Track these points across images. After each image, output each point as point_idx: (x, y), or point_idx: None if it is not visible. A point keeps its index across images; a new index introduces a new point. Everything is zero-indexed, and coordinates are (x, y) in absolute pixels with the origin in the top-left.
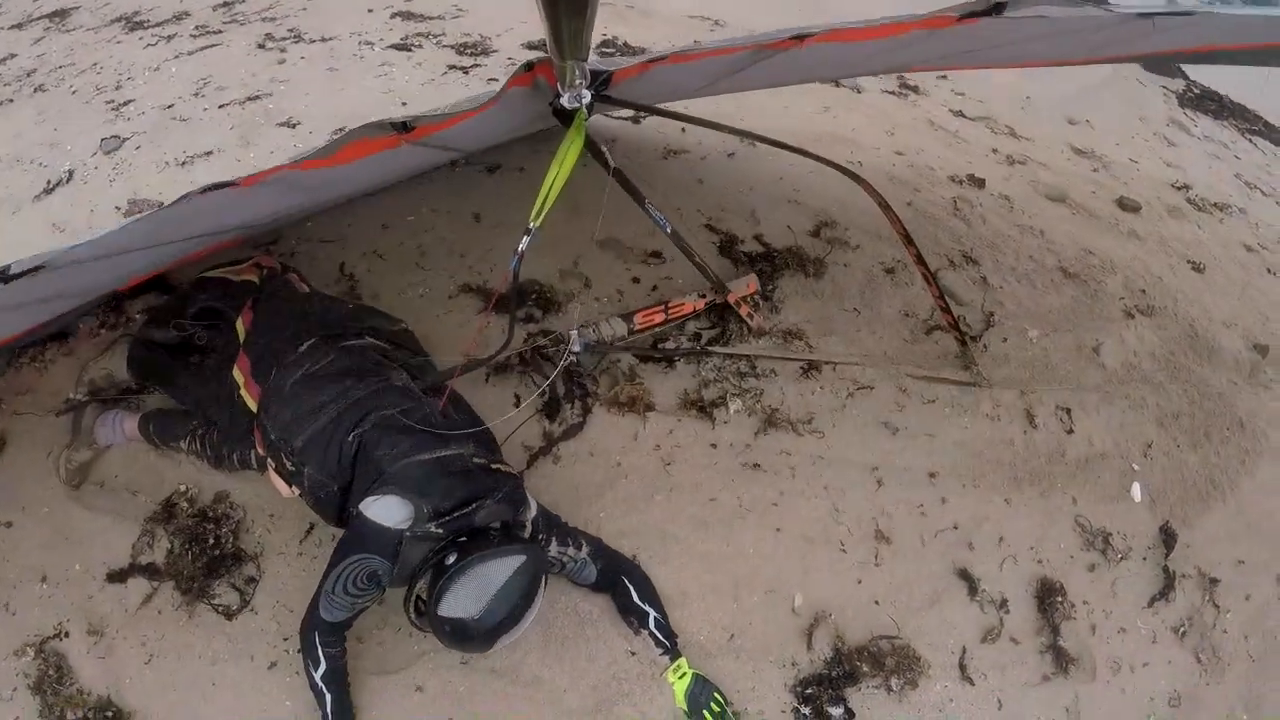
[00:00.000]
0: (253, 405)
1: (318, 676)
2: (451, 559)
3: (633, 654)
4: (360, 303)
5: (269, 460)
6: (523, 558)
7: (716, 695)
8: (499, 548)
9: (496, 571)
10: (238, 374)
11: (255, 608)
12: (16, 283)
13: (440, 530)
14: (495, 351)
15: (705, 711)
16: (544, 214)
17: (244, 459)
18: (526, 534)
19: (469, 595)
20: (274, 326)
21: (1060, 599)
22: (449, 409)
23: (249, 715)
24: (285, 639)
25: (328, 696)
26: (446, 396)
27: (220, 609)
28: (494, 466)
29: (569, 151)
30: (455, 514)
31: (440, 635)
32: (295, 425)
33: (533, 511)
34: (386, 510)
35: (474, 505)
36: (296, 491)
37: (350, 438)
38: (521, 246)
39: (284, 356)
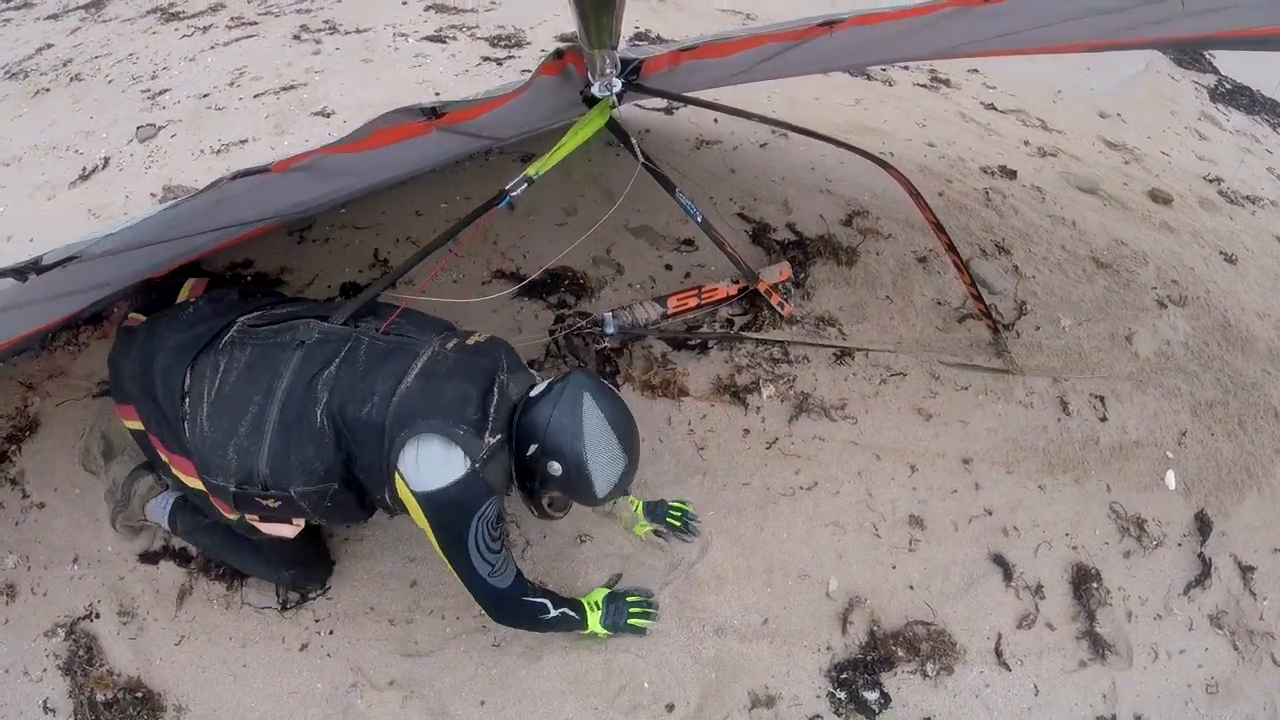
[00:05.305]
0: (197, 481)
1: (556, 613)
2: (555, 468)
3: None
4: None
5: (247, 516)
6: (584, 391)
7: (670, 506)
8: (561, 401)
9: (592, 418)
10: (169, 466)
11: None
12: (51, 274)
13: (495, 439)
14: (455, 225)
15: (667, 518)
16: (543, 171)
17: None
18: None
19: (605, 456)
20: (143, 394)
21: (1096, 585)
22: (395, 326)
23: (280, 696)
24: (317, 620)
25: (562, 607)
26: (398, 314)
27: (256, 608)
28: (470, 342)
29: (585, 127)
30: (490, 413)
31: (609, 497)
32: (247, 456)
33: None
34: (435, 467)
35: (496, 392)
36: (300, 522)
37: (319, 423)
38: (510, 188)
39: (176, 408)
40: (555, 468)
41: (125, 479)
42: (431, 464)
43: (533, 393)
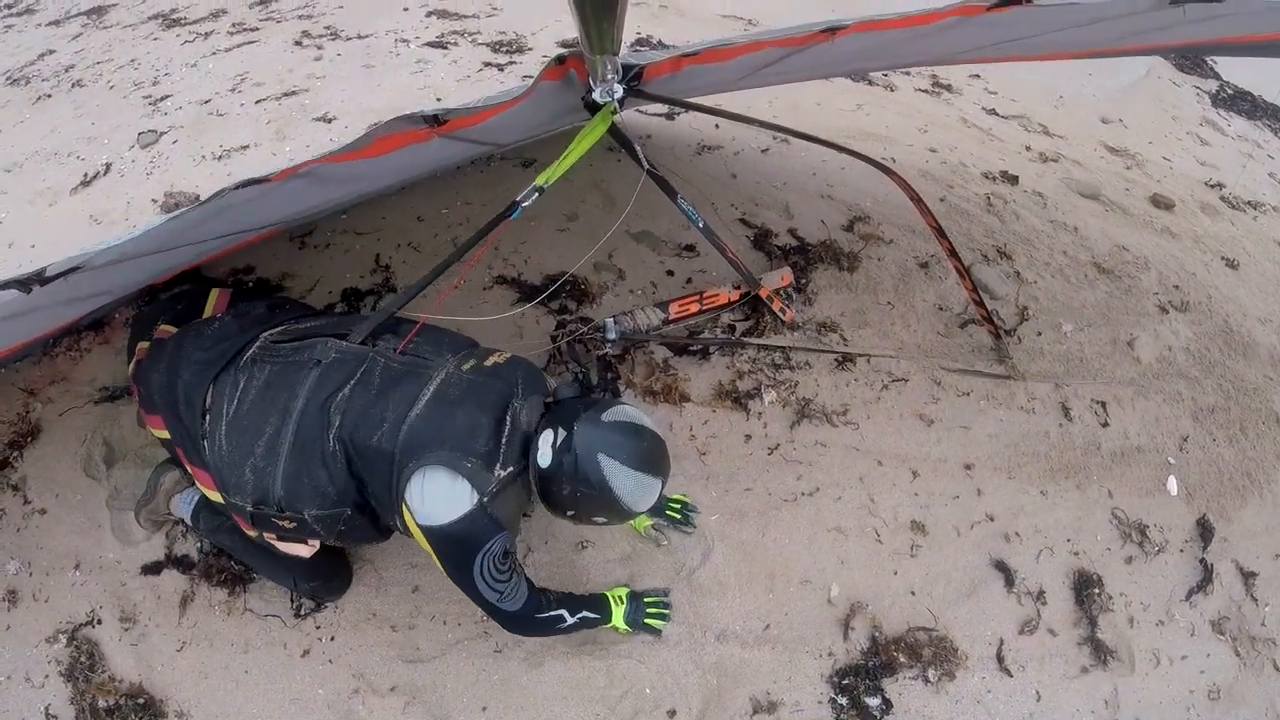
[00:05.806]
0: (218, 496)
1: (574, 619)
2: (600, 519)
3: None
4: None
5: (265, 535)
6: (597, 453)
7: (670, 500)
8: (579, 474)
9: (616, 475)
10: (193, 477)
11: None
12: (53, 283)
13: (506, 471)
14: (469, 240)
15: (667, 511)
16: (553, 180)
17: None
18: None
19: (639, 493)
20: (168, 409)
21: (1098, 591)
22: (412, 346)
23: (282, 703)
24: (318, 627)
25: (581, 611)
26: (416, 331)
27: (258, 614)
28: (489, 363)
29: (589, 134)
30: (502, 445)
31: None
32: (262, 477)
33: (553, 382)
34: (440, 501)
35: (509, 421)
36: (315, 543)
37: (331, 447)
38: (521, 199)
39: (197, 425)
40: (601, 519)
41: (152, 472)
42: (437, 498)
43: (541, 460)
